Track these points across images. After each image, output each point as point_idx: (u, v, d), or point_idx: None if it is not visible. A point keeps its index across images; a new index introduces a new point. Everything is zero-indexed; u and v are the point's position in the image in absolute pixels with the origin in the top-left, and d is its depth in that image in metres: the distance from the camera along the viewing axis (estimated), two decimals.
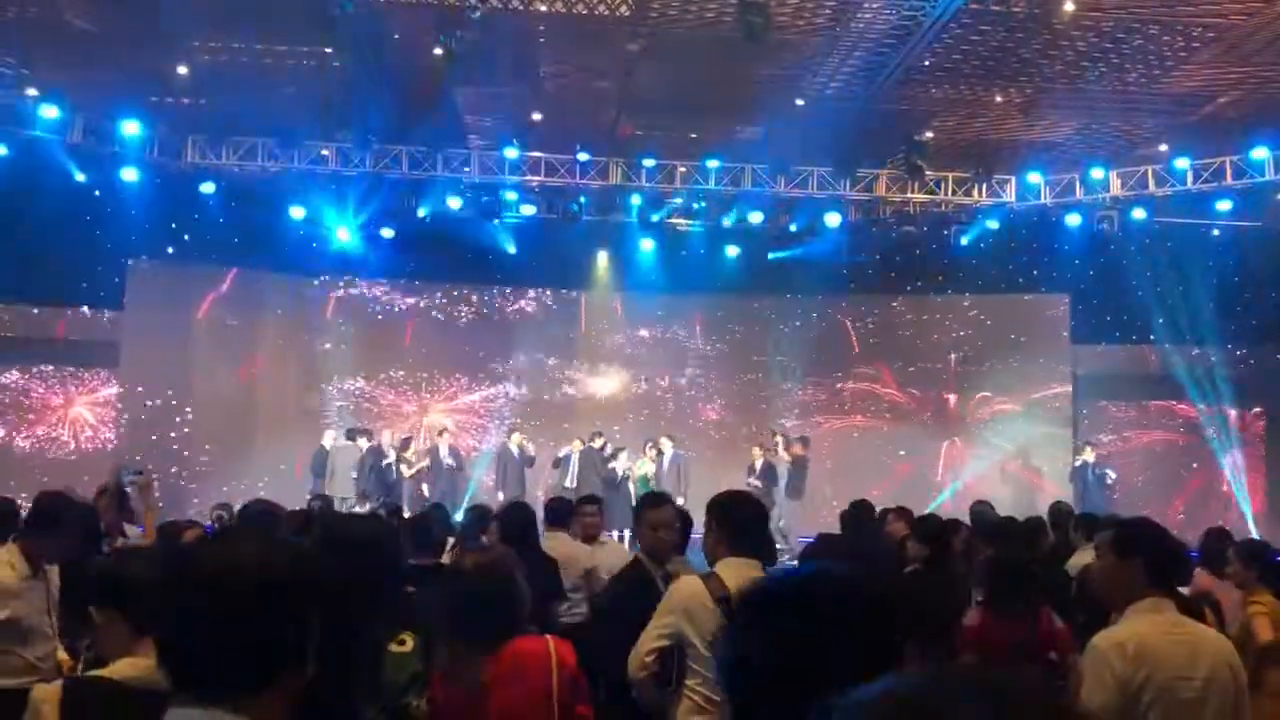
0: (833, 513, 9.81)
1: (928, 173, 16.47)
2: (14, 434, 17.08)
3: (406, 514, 10.53)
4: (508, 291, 19.20)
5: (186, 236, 17.27)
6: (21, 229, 14.93)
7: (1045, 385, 18.34)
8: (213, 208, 16.41)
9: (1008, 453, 18.12)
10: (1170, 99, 13.92)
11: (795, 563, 9.59)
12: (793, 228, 17.57)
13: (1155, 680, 3.14)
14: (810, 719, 1.07)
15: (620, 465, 16.11)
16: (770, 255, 18.09)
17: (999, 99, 14.23)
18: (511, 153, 15.99)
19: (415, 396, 18.80)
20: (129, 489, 7.27)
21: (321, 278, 18.50)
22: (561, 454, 16.34)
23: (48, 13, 12.30)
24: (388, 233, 17.49)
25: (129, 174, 15.60)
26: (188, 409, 17.25)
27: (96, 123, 15.18)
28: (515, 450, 16.33)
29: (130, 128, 15.22)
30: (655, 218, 17.30)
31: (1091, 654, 3.23)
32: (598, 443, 16.46)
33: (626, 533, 14.52)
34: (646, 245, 18.11)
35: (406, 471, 16.34)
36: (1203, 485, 18.03)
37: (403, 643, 3.20)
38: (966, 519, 8.61)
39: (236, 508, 8.30)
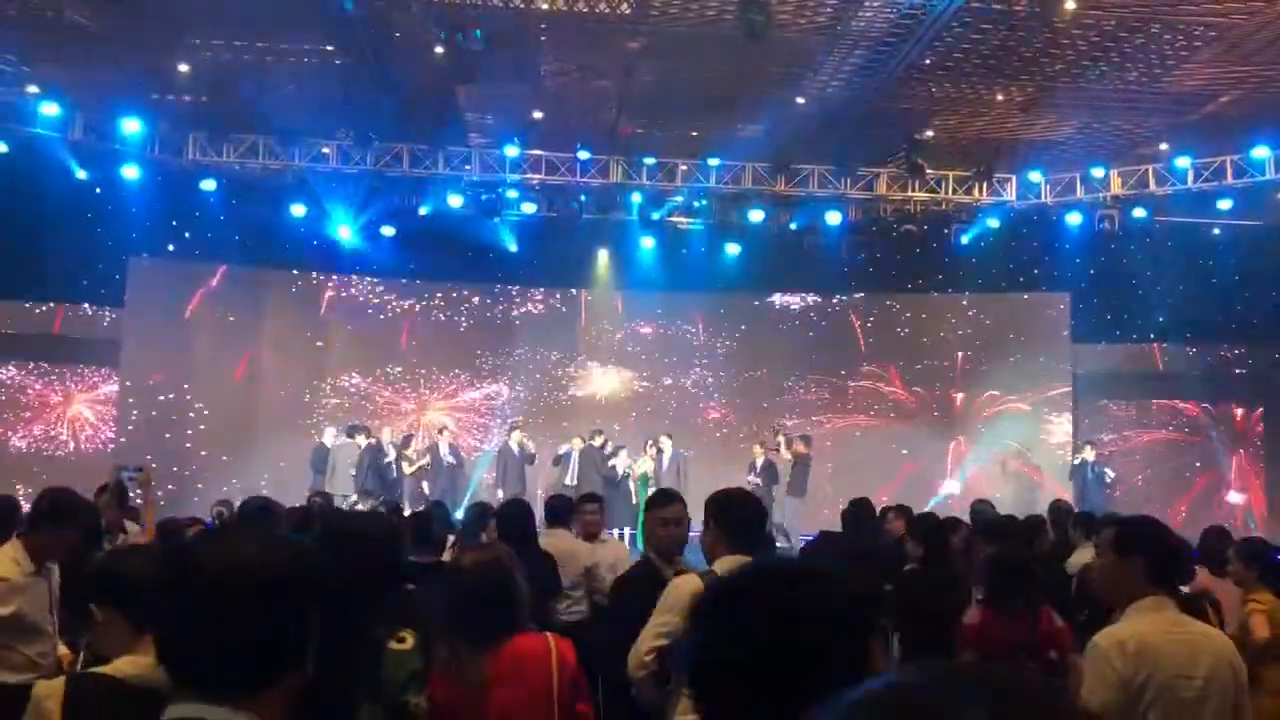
0: (836, 511, 9.81)
1: (928, 171, 16.47)
2: (10, 432, 17.06)
3: (407, 511, 10.56)
4: (508, 290, 19.19)
5: (187, 234, 17.29)
6: (22, 226, 14.94)
7: (1045, 384, 18.33)
8: (214, 205, 16.43)
9: (1008, 451, 18.12)
10: (1171, 98, 13.91)
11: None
12: (793, 226, 17.56)
13: (1156, 679, 3.14)
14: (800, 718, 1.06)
15: (620, 463, 16.12)
16: (770, 254, 18.07)
17: (1000, 98, 14.22)
18: (512, 151, 15.99)
19: (415, 394, 18.80)
20: (129, 486, 7.27)
21: (322, 275, 18.51)
22: (561, 451, 16.35)
23: (49, 10, 12.30)
24: (388, 230, 17.48)
25: (130, 171, 15.62)
26: (188, 406, 17.26)
27: (97, 120, 15.19)
28: (515, 448, 16.34)
29: (131, 125, 15.23)
30: (656, 216, 17.29)
31: (1093, 652, 3.23)
32: (598, 441, 16.47)
33: (627, 530, 14.55)
34: (647, 243, 18.10)
35: (407, 469, 16.36)
36: (1203, 484, 18.03)
37: (402, 640, 3.20)
38: (966, 517, 8.62)
39: (237, 504, 8.30)
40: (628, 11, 11.89)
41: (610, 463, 16.09)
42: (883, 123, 15.04)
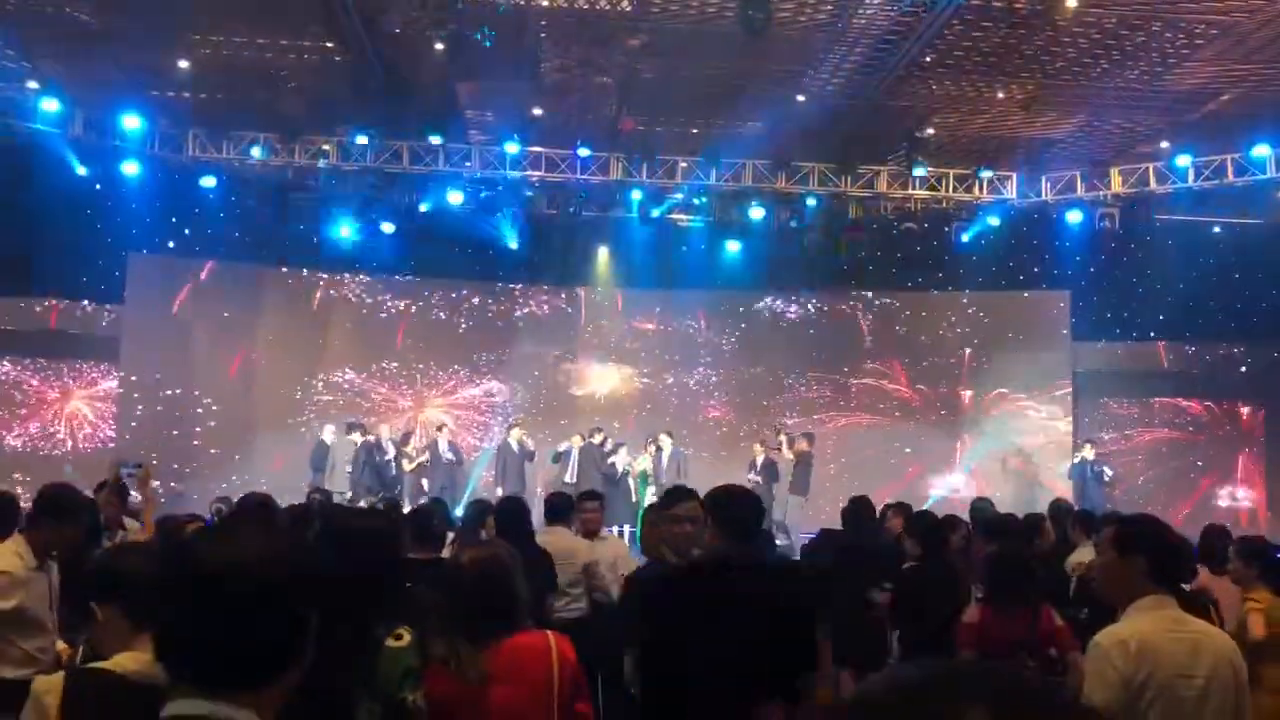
0: (837, 509, 9.81)
1: (929, 169, 16.46)
2: (5, 431, 17.02)
3: (406, 508, 10.55)
4: (508, 287, 19.18)
5: (187, 230, 17.27)
6: (21, 222, 14.92)
7: (1046, 382, 18.33)
8: (214, 202, 16.42)
9: (1008, 449, 18.12)
10: (1172, 96, 13.91)
11: (795, 558, 9.59)
12: (793, 224, 17.55)
13: (1157, 678, 3.13)
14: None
15: (620, 461, 16.12)
16: (770, 251, 18.07)
17: (1001, 95, 14.21)
18: (512, 147, 15.97)
19: (413, 391, 18.78)
20: (128, 482, 7.27)
21: (322, 272, 18.49)
22: (561, 449, 16.36)
23: (49, 6, 12.29)
24: (388, 227, 17.47)
25: (130, 167, 15.63)
26: (188, 403, 17.25)
27: (97, 116, 15.19)
28: (515, 445, 16.33)
29: (131, 121, 15.21)
30: (656, 213, 17.29)
31: (1094, 652, 3.23)
32: (597, 438, 16.47)
33: (627, 528, 14.55)
34: (647, 241, 18.09)
35: (407, 466, 16.35)
36: (1203, 482, 18.03)
37: (399, 637, 3.20)
38: (965, 515, 8.62)
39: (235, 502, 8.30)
40: (628, 8, 11.88)
41: (610, 460, 16.09)
42: (883, 120, 15.04)
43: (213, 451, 17.09)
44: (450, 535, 6.92)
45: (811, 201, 17.01)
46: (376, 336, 18.69)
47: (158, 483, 9.93)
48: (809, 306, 19.29)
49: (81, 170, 15.38)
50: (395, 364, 18.74)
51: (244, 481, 14.75)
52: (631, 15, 12.05)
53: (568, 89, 14.43)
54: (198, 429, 17.23)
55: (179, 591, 1.63)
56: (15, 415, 17.03)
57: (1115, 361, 18.61)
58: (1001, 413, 18.42)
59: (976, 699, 0.87)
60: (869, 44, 12.63)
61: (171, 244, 17.38)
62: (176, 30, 12.80)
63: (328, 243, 17.56)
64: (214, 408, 17.32)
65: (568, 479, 15.44)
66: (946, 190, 17.00)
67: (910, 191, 16.89)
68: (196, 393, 17.32)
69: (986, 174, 16.69)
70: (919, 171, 16.24)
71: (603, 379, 19.26)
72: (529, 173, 16.59)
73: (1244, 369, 18.22)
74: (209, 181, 16.10)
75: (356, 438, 16.04)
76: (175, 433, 17.04)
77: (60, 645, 4.78)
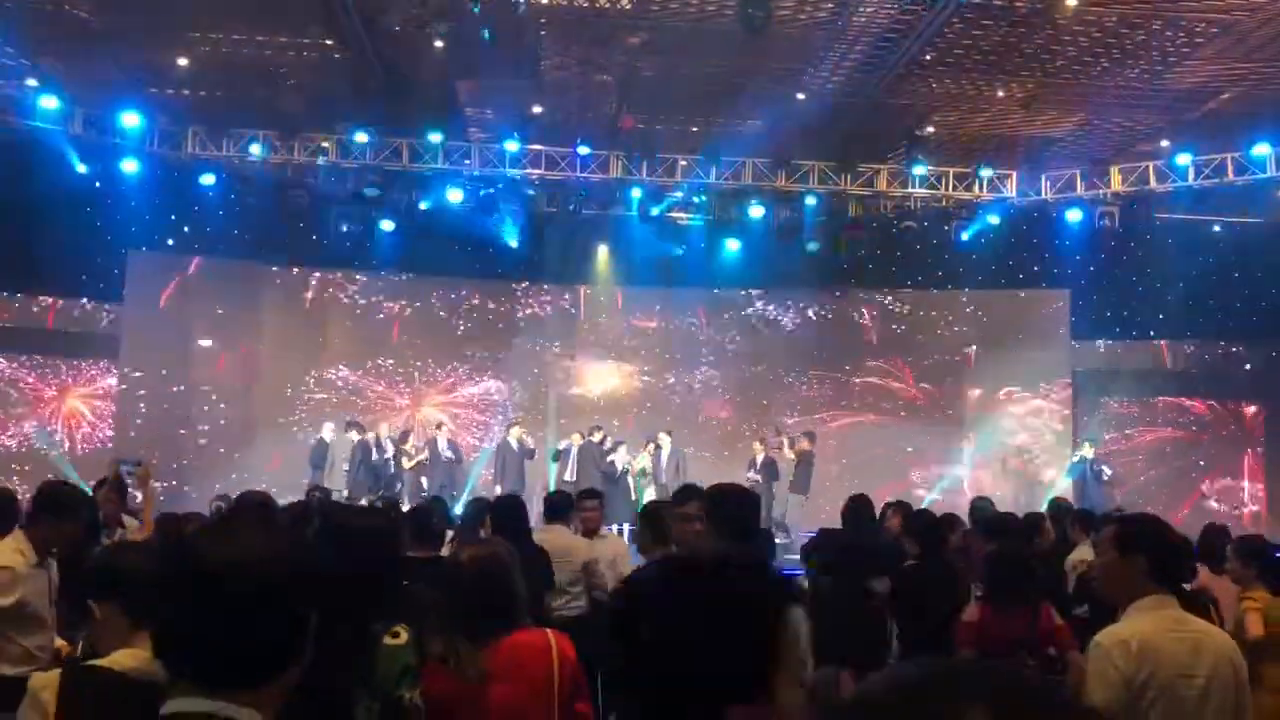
0: (837, 507, 9.80)
1: (929, 167, 16.46)
2: (1, 430, 16.99)
3: (406, 506, 10.56)
4: (508, 285, 19.16)
5: (186, 228, 17.26)
6: (20, 220, 14.91)
7: (1045, 381, 18.32)
8: (213, 199, 16.41)
9: (1007, 448, 18.12)
10: (1172, 95, 13.90)
11: (796, 557, 9.59)
12: (793, 222, 17.53)
13: (1158, 678, 3.13)
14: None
15: (619, 459, 16.11)
16: (769, 250, 18.06)
17: (1001, 94, 14.21)
18: (512, 145, 15.97)
19: (410, 389, 18.77)
20: (127, 480, 7.26)
21: (322, 269, 18.48)
22: (561, 447, 16.36)
23: (49, 3, 12.29)
24: (388, 225, 17.46)
25: (129, 165, 15.62)
26: (186, 400, 17.24)
27: (97, 114, 15.18)
28: (514, 444, 16.33)
29: (130, 119, 15.20)
30: (656, 211, 17.27)
31: (1095, 651, 3.23)
32: (597, 437, 16.46)
33: (626, 526, 14.55)
34: (647, 239, 18.08)
35: (406, 464, 16.35)
36: (1203, 481, 18.02)
37: (396, 635, 3.20)
38: (965, 514, 8.62)
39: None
40: (628, 6, 11.88)
41: (609, 458, 16.08)
42: (883, 119, 15.03)
43: (212, 449, 17.08)
44: (449, 533, 6.92)
45: (811, 200, 16.99)
46: (376, 334, 18.69)
47: (158, 483, 9.91)
48: (808, 305, 19.27)
49: (81, 168, 15.37)
50: (392, 361, 18.72)
51: (243, 479, 14.73)
52: (631, 13, 12.05)
53: (568, 87, 14.43)
54: (197, 427, 17.23)
55: (178, 589, 1.63)
56: (11, 414, 17.01)
57: (1115, 360, 18.60)
58: (1001, 412, 18.42)
59: (976, 698, 0.87)
60: (869, 42, 12.63)
61: (170, 241, 17.38)
62: (176, 28, 12.80)
63: (328, 240, 17.54)
64: (214, 406, 17.31)
65: (567, 477, 15.44)
66: (946, 189, 16.99)
67: (910, 190, 16.89)
68: (196, 390, 17.31)
69: (986, 172, 16.68)
70: (919, 170, 16.29)
71: (602, 377, 19.24)
72: (529, 171, 16.58)
73: (1247, 367, 18.22)
74: (208, 179, 16.09)
75: (354, 436, 16.05)
76: (174, 431, 17.03)
77: (59, 642, 4.78)
